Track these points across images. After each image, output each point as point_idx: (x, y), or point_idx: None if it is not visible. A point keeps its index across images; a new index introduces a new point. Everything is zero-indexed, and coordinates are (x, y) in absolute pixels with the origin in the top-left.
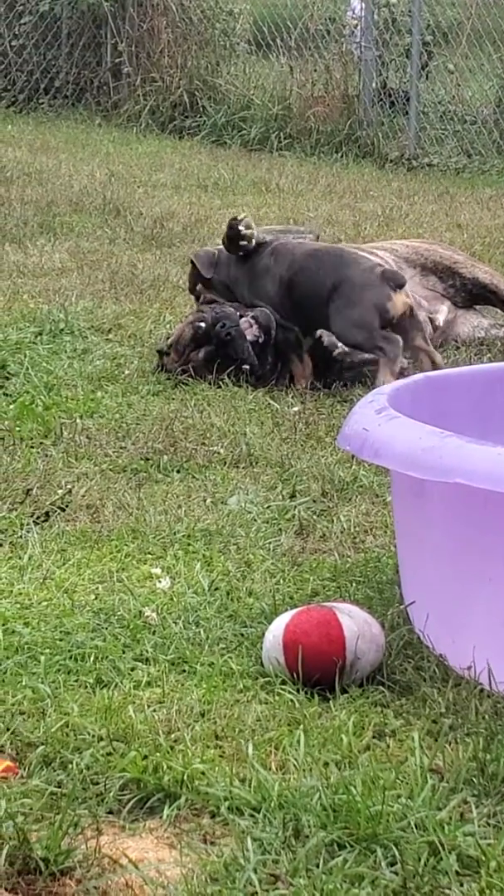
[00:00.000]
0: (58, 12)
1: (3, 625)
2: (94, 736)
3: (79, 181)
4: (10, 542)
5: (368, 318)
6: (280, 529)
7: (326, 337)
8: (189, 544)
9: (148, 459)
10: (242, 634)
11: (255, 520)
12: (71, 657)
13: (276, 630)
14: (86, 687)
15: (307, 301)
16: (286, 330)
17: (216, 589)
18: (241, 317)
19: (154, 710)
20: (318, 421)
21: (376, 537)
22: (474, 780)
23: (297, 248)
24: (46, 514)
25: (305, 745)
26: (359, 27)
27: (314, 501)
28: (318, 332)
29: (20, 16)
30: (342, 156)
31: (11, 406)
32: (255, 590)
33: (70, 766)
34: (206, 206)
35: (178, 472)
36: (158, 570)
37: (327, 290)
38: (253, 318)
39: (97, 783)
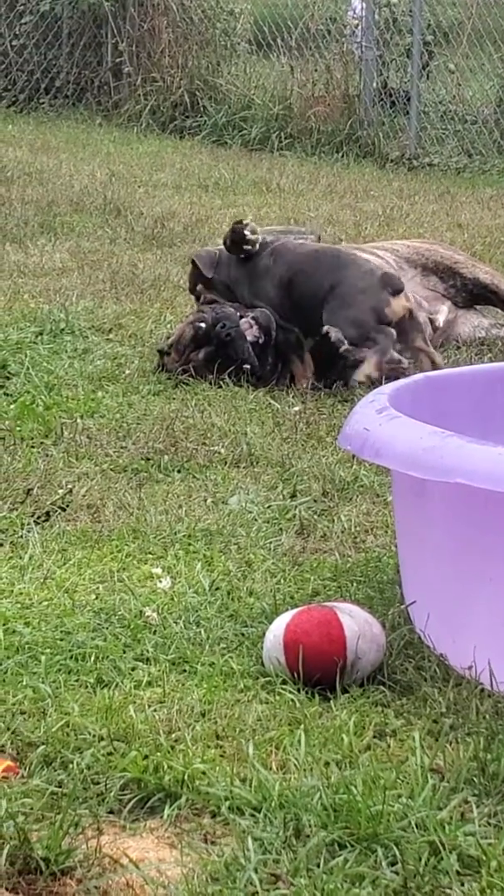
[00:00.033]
0: (58, 12)
1: (4, 624)
2: (94, 736)
3: (79, 181)
4: (11, 542)
5: (364, 318)
6: (281, 529)
7: (334, 333)
8: (190, 544)
9: (149, 459)
10: (243, 634)
11: (256, 519)
12: (71, 657)
13: (276, 630)
14: (86, 687)
15: (306, 302)
16: (286, 330)
17: (217, 589)
18: (241, 317)
19: (155, 710)
20: (318, 421)
21: (377, 537)
22: (475, 779)
23: (297, 248)
24: (47, 513)
25: (306, 744)
26: (359, 27)
27: (315, 501)
28: (325, 328)
29: (21, 15)
30: (343, 155)
31: (12, 406)
32: (255, 589)
33: (71, 765)
34: (206, 205)
35: (178, 471)
36: (159, 570)
37: (325, 292)
38: (253, 318)
39: (98, 783)
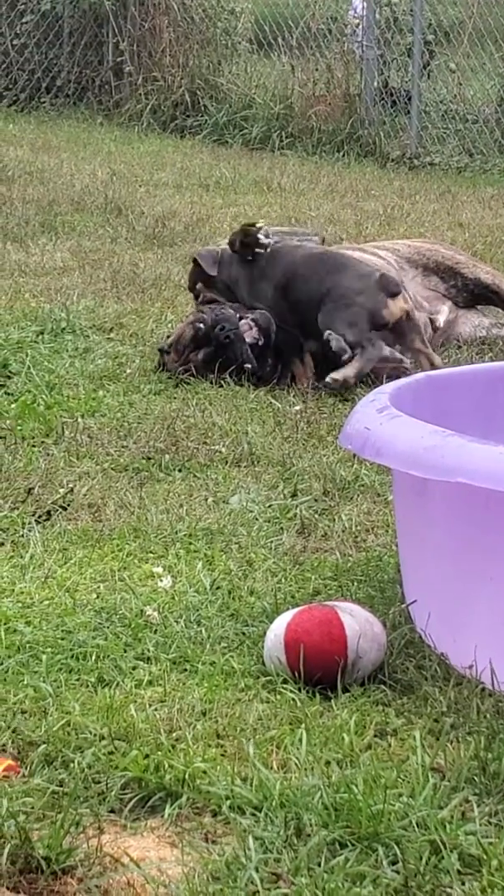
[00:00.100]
0: (59, 11)
1: (5, 624)
2: (95, 735)
3: (80, 180)
4: (12, 541)
5: (360, 319)
6: (281, 528)
7: (335, 342)
8: (190, 543)
9: (149, 458)
10: (244, 633)
11: (257, 519)
12: (72, 656)
13: (277, 629)
14: (87, 686)
15: (303, 305)
16: (286, 332)
17: (218, 588)
18: (240, 318)
19: (155, 709)
20: (319, 420)
21: (378, 536)
22: (476, 778)
23: (294, 252)
24: (48, 512)
25: (307, 743)
26: (360, 26)
27: (316, 500)
28: (326, 334)
29: (22, 15)
30: (344, 155)
31: (13, 405)
32: (256, 589)
33: (71, 765)
34: (207, 205)
35: (179, 471)
36: (160, 569)
37: (321, 296)
38: (253, 320)
39: (99, 782)
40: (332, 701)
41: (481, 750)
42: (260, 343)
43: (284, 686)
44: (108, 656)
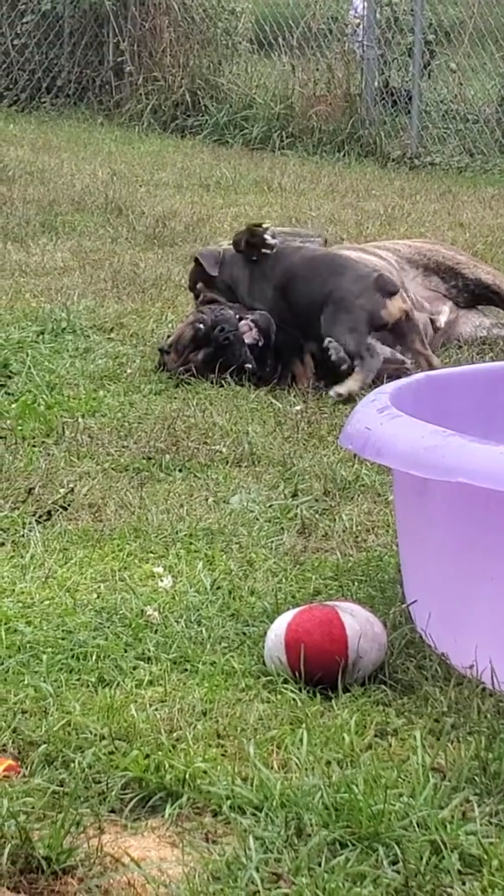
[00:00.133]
0: (60, 11)
1: (6, 624)
2: (95, 735)
3: (81, 180)
4: (13, 541)
5: (359, 323)
6: (282, 528)
7: (334, 351)
8: (191, 543)
9: (150, 458)
10: (244, 633)
11: (258, 519)
12: (73, 656)
13: (278, 629)
14: (88, 686)
15: (303, 307)
16: (286, 332)
17: (218, 588)
18: (240, 319)
19: (156, 709)
20: (320, 420)
21: (378, 536)
22: (476, 778)
23: (295, 253)
24: (48, 512)
25: (307, 743)
26: (361, 26)
27: (316, 500)
28: (326, 342)
29: (22, 15)
30: (344, 155)
31: (13, 405)
32: (257, 589)
33: (72, 764)
34: (207, 205)
35: (180, 471)
36: (160, 569)
37: (321, 298)
38: (252, 321)
39: (99, 782)
40: (333, 701)
41: (482, 750)
42: (259, 344)
43: (285, 686)
44: (109, 656)
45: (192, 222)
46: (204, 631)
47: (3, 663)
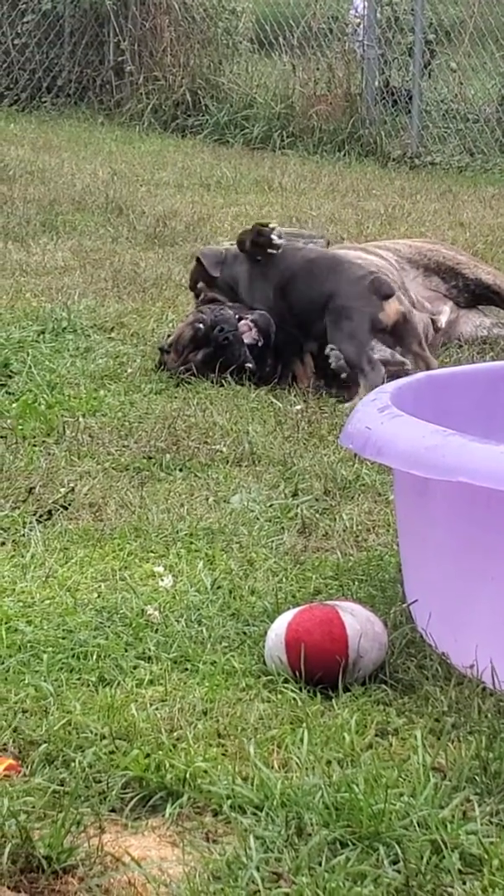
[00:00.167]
0: (60, 10)
1: (6, 623)
2: (96, 734)
3: (81, 180)
4: (13, 541)
5: (360, 330)
6: (282, 528)
7: (335, 360)
8: (191, 543)
9: (150, 458)
10: (245, 633)
11: (258, 518)
12: (73, 655)
13: (278, 628)
14: (88, 685)
15: (302, 308)
16: (286, 332)
17: (218, 587)
18: (240, 319)
19: (156, 709)
20: (320, 419)
21: (379, 536)
22: (477, 778)
23: (294, 255)
24: (49, 512)
25: (308, 743)
26: (361, 25)
27: (317, 500)
28: (328, 349)
29: (23, 14)
30: (345, 154)
31: (14, 404)
32: (257, 588)
33: (72, 764)
34: (208, 204)
35: (180, 470)
36: (161, 569)
37: (321, 301)
38: (252, 321)
39: (99, 781)
40: (333, 700)
41: (482, 749)
42: (259, 344)
43: (285, 685)
44: (109, 656)
45: (193, 222)
46: (204, 630)
47: (3, 662)
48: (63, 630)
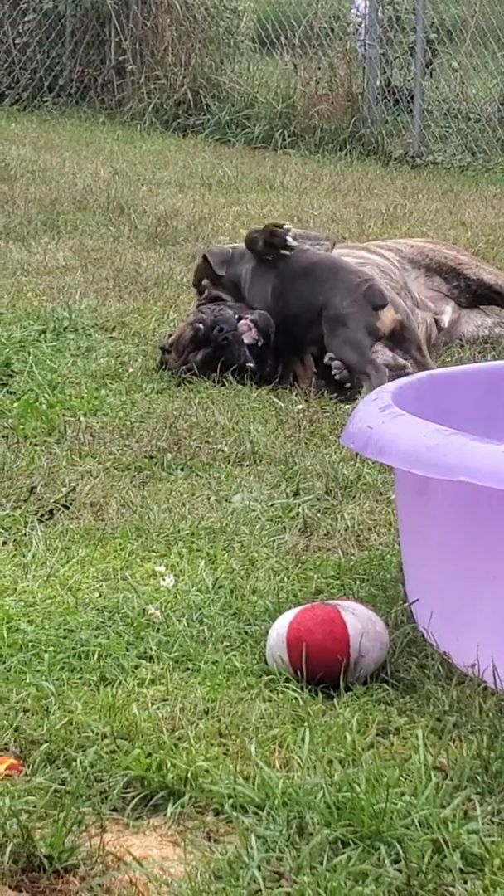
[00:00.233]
0: (61, 10)
1: (7, 622)
2: (97, 733)
3: (83, 179)
4: (14, 540)
5: (359, 337)
6: (284, 527)
7: (338, 373)
8: (193, 542)
9: (152, 457)
10: (246, 632)
11: (259, 518)
12: (75, 655)
13: (279, 628)
14: (89, 685)
15: (296, 313)
16: (286, 333)
17: (220, 587)
18: (239, 319)
19: (158, 708)
20: (321, 419)
21: (380, 535)
22: (478, 777)
23: (294, 258)
24: (50, 511)
25: (309, 742)
26: (363, 25)
27: (318, 499)
28: (328, 359)
29: (24, 13)
30: (346, 154)
31: (15, 404)
32: (259, 587)
33: (74, 763)
34: (209, 203)
35: (181, 470)
36: (162, 568)
37: (316, 307)
38: (252, 321)
39: (101, 781)
40: (335, 700)
41: (484, 749)
42: (259, 344)
43: (287, 685)
44: (111, 655)
45: (194, 221)
46: (206, 630)
47: (4, 662)
48: (64, 629)
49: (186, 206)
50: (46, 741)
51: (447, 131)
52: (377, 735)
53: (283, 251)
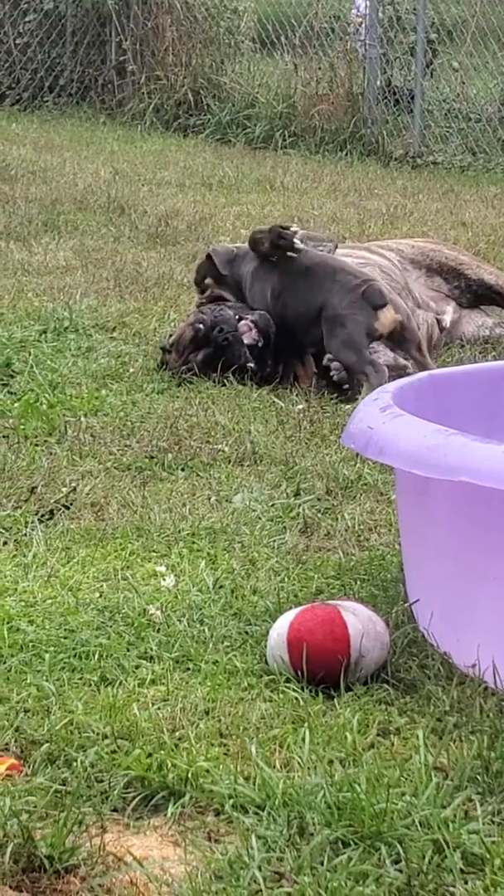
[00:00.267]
0: (62, 10)
1: (8, 623)
2: (98, 734)
3: (83, 179)
4: (15, 540)
5: (356, 335)
6: (284, 527)
7: (336, 374)
8: (193, 542)
9: (152, 457)
10: (247, 632)
11: (260, 518)
12: (75, 655)
13: (280, 628)
14: (90, 685)
15: (295, 314)
16: (286, 333)
17: (220, 587)
18: (240, 320)
19: (158, 708)
20: (322, 419)
21: (381, 535)
22: (479, 777)
23: (294, 260)
24: (51, 511)
25: (310, 742)
26: (363, 25)
27: (319, 499)
28: (326, 360)
29: (25, 14)
30: (347, 154)
31: (16, 404)
32: (259, 588)
33: (74, 763)
34: (210, 204)
35: (182, 470)
36: (163, 568)
37: (315, 308)
38: (252, 321)
39: (101, 781)
40: (335, 700)
41: (484, 749)
42: (259, 344)
43: (287, 685)
44: (111, 655)
45: (195, 221)
46: (206, 630)
47: (5, 662)
48: (65, 630)
49: (187, 206)
50: (47, 741)
51: (448, 131)
52: (378, 735)
53: (290, 254)
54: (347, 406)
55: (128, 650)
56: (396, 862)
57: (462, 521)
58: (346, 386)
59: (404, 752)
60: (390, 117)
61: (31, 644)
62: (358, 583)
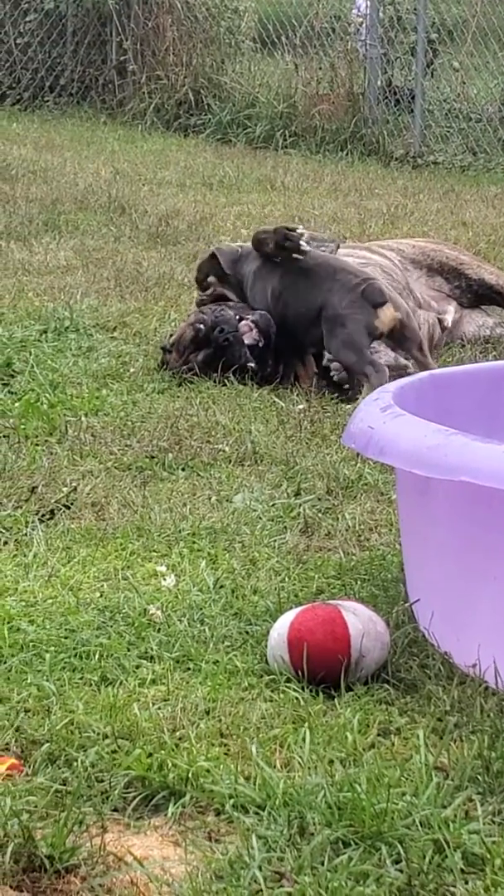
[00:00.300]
0: (63, 10)
1: (9, 622)
2: (98, 734)
3: (84, 179)
4: (16, 540)
5: (356, 335)
6: (285, 527)
7: (336, 374)
8: (194, 542)
9: (153, 457)
10: (247, 632)
11: (260, 518)
12: (76, 655)
13: (280, 628)
14: (91, 685)
15: (295, 315)
16: (286, 333)
17: (221, 587)
18: (240, 320)
19: (159, 708)
20: (323, 419)
21: (381, 535)
22: (479, 777)
23: (296, 261)
24: (51, 511)
25: (310, 742)
26: (364, 25)
27: (319, 499)
28: (326, 360)
29: (25, 13)
30: (347, 154)
31: (17, 404)
32: (260, 588)
33: (75, 763)
34: (211, 203)
35: (182, 470)
36: (163, 568)
37: (315, 309)
38: (253, 321)
39: (102, 781)
40: (336, 700)
41: (485, 749)
42: (260, 344)
43: (288, 685)
44: (112, 655)
45: (196, 221)
46: (207, 630)
47: (5, 662)
48: (65, 629)
49: (187, 205)
50: (47, 741)
51: (448, 131)
52: (378, 735)
53: (295, 255)
54: (348, 406)
55: (128, 650)
56: (397, 862)
57: (462, 520)
58: (347, 386)
59: (405, 751)
60: (391, 117)
61: (31, 644)
62: (358, 583)
